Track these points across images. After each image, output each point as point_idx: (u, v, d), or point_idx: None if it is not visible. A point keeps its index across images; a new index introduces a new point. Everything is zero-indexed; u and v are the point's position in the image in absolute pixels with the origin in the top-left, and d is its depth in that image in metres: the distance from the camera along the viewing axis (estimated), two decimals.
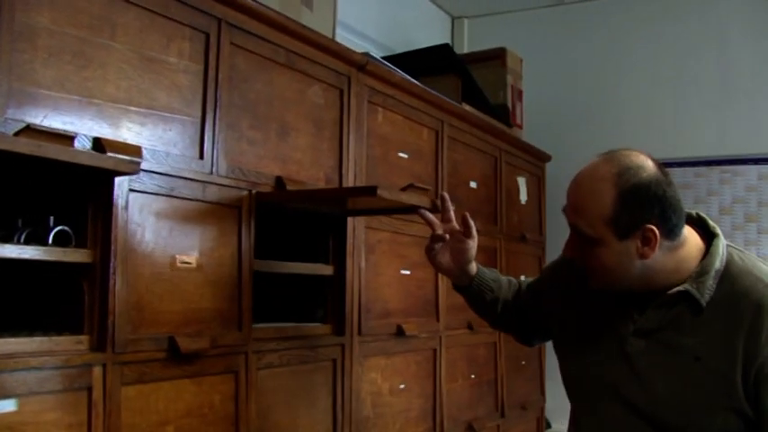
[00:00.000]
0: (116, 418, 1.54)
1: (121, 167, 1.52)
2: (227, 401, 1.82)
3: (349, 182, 2.31)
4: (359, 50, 2.98)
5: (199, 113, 1.80)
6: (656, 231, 1.45)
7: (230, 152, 1.87)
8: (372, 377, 2.39)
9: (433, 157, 2.82)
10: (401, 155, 2.61)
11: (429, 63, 2.97)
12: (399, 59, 2.88)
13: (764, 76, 3.74)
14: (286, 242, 2.24)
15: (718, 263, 1.51)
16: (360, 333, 2.32)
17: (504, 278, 1.97)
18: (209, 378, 1.78)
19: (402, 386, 2.54)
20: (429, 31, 4.14)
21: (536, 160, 3.81)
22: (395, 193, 1.96)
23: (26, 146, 1.34)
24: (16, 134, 1.37)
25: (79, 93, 1.53)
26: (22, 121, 1.41)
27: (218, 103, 1.84)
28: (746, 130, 3.70)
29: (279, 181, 1.99)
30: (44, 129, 1.40)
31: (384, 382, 2.45)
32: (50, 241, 1.51)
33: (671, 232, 1.49)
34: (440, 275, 2.78)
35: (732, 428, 1.48)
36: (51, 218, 1.55)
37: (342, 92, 2.30)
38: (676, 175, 3.76)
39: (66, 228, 1.55)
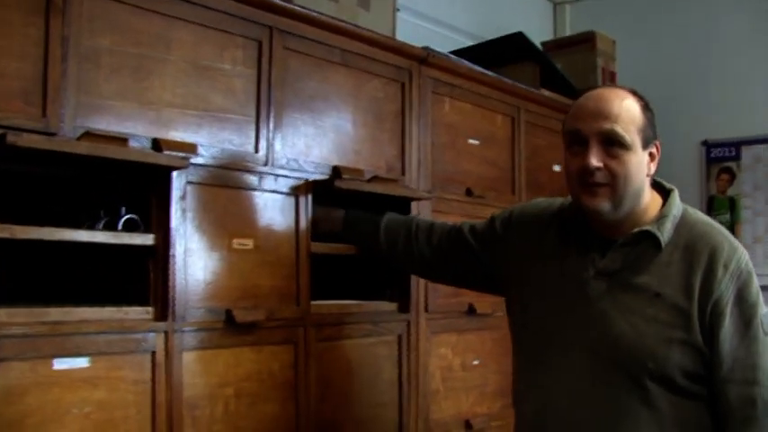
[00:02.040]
0: (178, 378, 1.79)
1: (174, 163, 1.78)
2: (287, 369, 2.04)
3: (412, 168, 2.47)
4: (453, 46, 3.14)
5: (253, 112, 2.02)
6: (659, 146, 1.68)
7: (286, 145, 2.09)
8: (442, 352, 2.54)
9: (508, 143, 2.92)
10: (471, 141, 2.73)
11: (507, 52, 3.06)
12: (474, 51, 2.99)
13: None
14: None
15: (675, 210, 1.67)
16: (427, 311, 2.47)
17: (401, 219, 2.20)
18: (268, 347, 2.00)
19: (476, 362, 2.67)
20: (530, 19, 4.19)
21: None
22: (358, 184, 2.16)
23: (85, 147, 1.62)
24: (78, 139, 1.65)
25: (138, 101, 1.79)
26: (88, 128, 1.68)
27: (271, 102, 2.05)
28: None
29: (335, 170, 2.19)
30: (101, 132, 1.68)
31: (455, 357, 2.59)
32: (120, 227, 1.80)
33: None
34: None
35: (687, 363, 1.59)
36: (123, 208, 1.83)
37: (403, 85, 2.46)
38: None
39: (134, 216, 1.82)
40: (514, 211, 1.96)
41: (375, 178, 2.27)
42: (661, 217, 1.66)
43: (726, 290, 1.59)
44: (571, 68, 3.38)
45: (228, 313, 1.90)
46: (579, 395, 1.64)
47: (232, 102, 1.98)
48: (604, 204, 1.62)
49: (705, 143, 3.89)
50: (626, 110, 1.61)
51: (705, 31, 3.98)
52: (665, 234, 1.64)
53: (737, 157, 3.91)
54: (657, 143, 1.68)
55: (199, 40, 1.92)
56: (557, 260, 1.74)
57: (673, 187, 1.74)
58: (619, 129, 1.59)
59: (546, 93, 3.10)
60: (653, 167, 1.67)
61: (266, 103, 2.04)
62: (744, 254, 1.64)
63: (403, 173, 2.44)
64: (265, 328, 1.98)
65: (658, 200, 1.70)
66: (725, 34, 3.91)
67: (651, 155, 1.66)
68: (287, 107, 2.10)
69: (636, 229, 1.65)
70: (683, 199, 1.73)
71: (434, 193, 2.53)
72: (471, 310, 2.63)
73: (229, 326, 1.90)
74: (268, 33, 2.06)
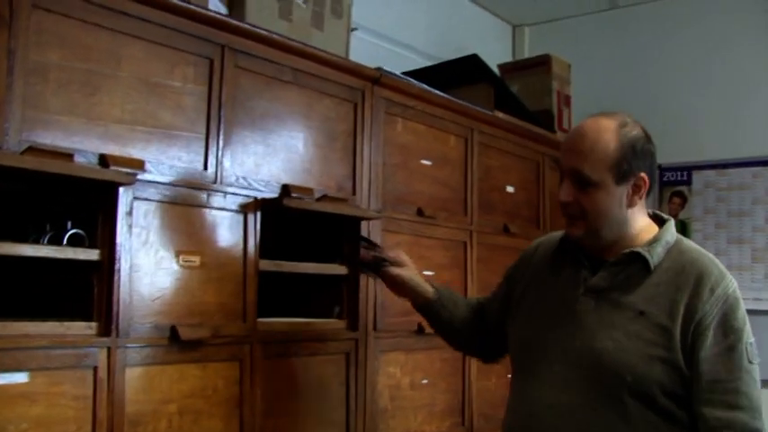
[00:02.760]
0: (120, 394, 1.79)
1: (120, 179, 1.78)
2: (232, 385, 2.04)
3: (363, 188, 2.49)
4: (411, 66, 3.18)
5: (203, 130, 2.03)
6: (647, 180, 1.68)
7: (235, 163, 2.10)
8: (390, 371, 2.56)
9: (461, 163, 2.96)
10: (424, 162, 2.77)
11: (461, 73, 3.11)
12: (429, 72, 3.04)
13: None
14: (308, 244, 2.45)
15: (669, 237, 1.73)
16: (375, 329, 2.49)
17: (462, 298, 2.16)
18: (214, 364, 2.00)
19: (425, 381, 2.69)
20: (489, 41, 4.27)
21: None
22: (307, 203, 2.18)
23: (29, 162, 1.62)
24: (22, 153, 1.65)
25: (87, 116, 1.79)
26: (33, 142, 1.68)
27: (221, 120, 2.07)
28: None
29: (284, 188, 2.20)
30: (47, 147, 1.68)
31: (404, 376, 2.61)
32: (65, 242, 1.79)
33: (650, 188, 1.71)
34: (468, 277, 2.92)
35: (666, 381, 1.62)
36: (69, 223, 1.83)
37: (355, 105, 2.49)
38: (733, 175, 3.76)
39: (80, 231, 1.82)
40: (533, 244, 2.04)
41: (324, 197, 2.29)
42: (653, 241, 1.71)
43: (710, 312, 1.62)
44: (527, 91, 3.44)
45: (173, 330, 1.90)
46: (561, 408, 1.68)
47: (182, 119, 1.99)
48: (579, 233, 1.71)
49: (658, 167, 3.96)
50: (598, 147, 1.65)
51: (657, 56, 4.08)
52: (655, 257, 1.68)
53: (689, 182, 4.00)
54: (643, 175, 1.68)
55: (149, 56, 1.93)
56: (554, 280, 1.82)
57: (670, 218, 1.80)
58: (585, 168, 1.65)
59: (500, 114, 3.15)
60: (637, 200, 1.70)
61: (216, 120, 2.06)
62: (732, 282, 1.67)
63: (354, 192, 2.46)
64: (211, 345, 1.99)
65: (654, 228, 1.75)
66: (677, 60, 4.02)
67: (636, 186, 1.68)
68: (237, 125, 2.12)
69: (626, 250, 1.70)
70: None
71: (385, 212, 2.55)
72: (420, 330, 2.64)
73: (174, 342, 1.90)
74: (220, 51, 2.07)
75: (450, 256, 2.86)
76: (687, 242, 1.77)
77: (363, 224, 2.44)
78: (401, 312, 2.60)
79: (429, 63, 3.50)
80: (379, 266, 2.09)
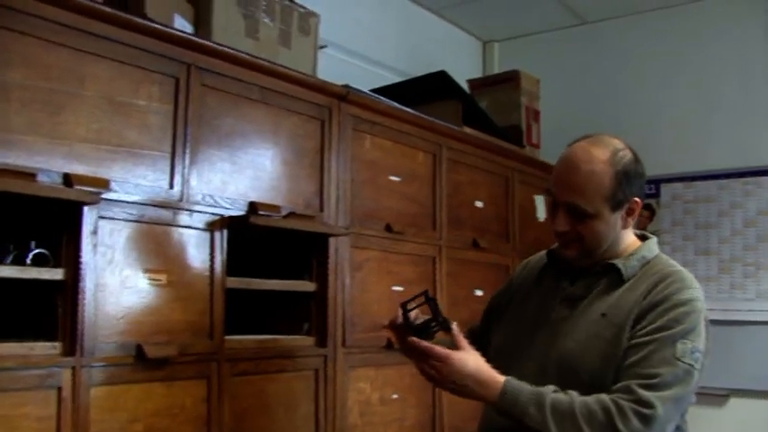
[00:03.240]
0: (85, 414, 1.78)
1: (84, 198, 1.78)
2: (199, 404, 2.04)
3: (331, 205, 2.50)
4: (381, 82, 3.20)
5: (169, 148, 2.04)
6: (640, 203, 1.74)
7: (201, 181, 2.10)
8: (360, 387, 2.56)
9: (429, 179, 2.98)
10: (392, 178, 2.79)
11: (430, 90, 3.14)
12: (398, 88, 3.06)
13: None
14: (275, 261, 2.46)
15: (646, 252, 1.78)
16: (344, 345, 2.50)
17: None
18: (180, 382, 2.00)
19: (395, 396, 2.70)
20: (459, 57, 4.31)
21: None
22: (274, 221, 2.19)
23: None
24: None
25: (50, 136, 1.79)
26: None
27: (187, 138, 2.07)
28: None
29: (251, 206, 2.21)
30: (8, 167, 1.67)
31: (374, 391, 2.61)
32: (29, 262, 1.79)
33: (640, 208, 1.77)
34: (438, 292, 2.94)
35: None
36: (33, 243, 1.82)
37: (323, 122, 2.51)
38: (700, 188, 3.81)
39: (44, 251, 1.81)
40: (520, 265, 2.10)
41: (292, 214, 2.30)
42: (630, 255, 1.77)
43: (657, 307, 1.66)
44: (495, 106, 3.48)
45: (139, 348, 1.89)
46: None
47: (147, 137, 1.99)
48: (575, 254, 1.77)
49: None
50: (592, 181, 1.68)
51: (625, 71, 4.14)
52: (629, 269, 1.74)
53: (657, 195, 4.05)
54: (636, 200, 1.73)
55: (114, 75, 1.93)
56: (536, 291, 1.89)
57: (653, 237, 1.85)
58: (581, 202, 1.69)
59: (468, 130, 3.18)
60: (630, 221, 1.77)
61: (182, 139, 2.06)
62: (696, 292, 1.70)
63: (321, 209, 2.47)
64: (177, 363, 1.98)
65: (637, 244, 1.81)
66: (644, 75, 4.08)
67: (629, 210, 1.74)
68: (203, 143, 2.12)
69: (603, 262, 1.76)
70: None
71: (353, 228, 2.56)
72: (390, 345, 2.65)
73: (140, 361, 1.90)
74: (185, 70, 2.08)
75: (418, 272, 2.87)
76: (665, 259, 1.81)
77: (331, 241, 2.45)
78: (370, 328, 2.61)
79: (399, 79, 3.51)
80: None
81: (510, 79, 3.65)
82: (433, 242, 2.95)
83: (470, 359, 1.66)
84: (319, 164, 2.49)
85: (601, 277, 1.77)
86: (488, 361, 1.83)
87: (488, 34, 4.48)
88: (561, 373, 1.70)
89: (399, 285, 2.77)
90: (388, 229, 2.72)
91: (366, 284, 2.63)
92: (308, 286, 2.42)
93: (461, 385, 1.67)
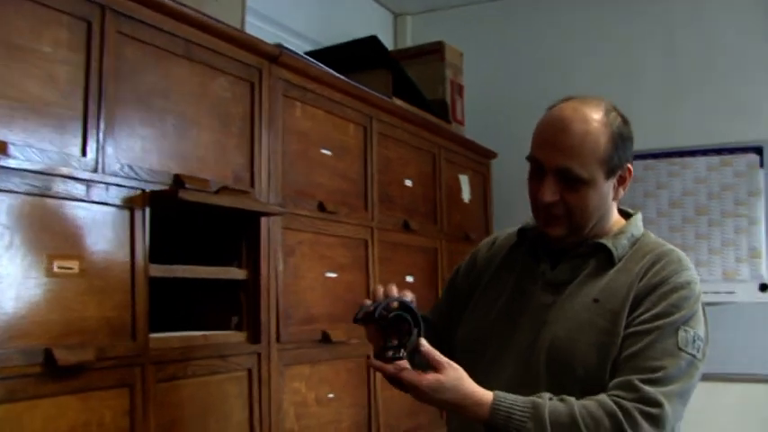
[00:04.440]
0: None
1: None
2: (121, 417, 1.69)
3: (262, 180, 2.18)
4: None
5: (80, 107, 1.66)
6: (631, 170, 1.57)
7: (119, 149, 1.74)
8: (296, 387, 2.26)
9: (360, 154, 2.70)
10: (324, 151, 2.49)
11: (358, 57, 2.86)
12: (326, 54, 2.76)
13: (711, 67, 3.65)
14: (197, 245, 2.12)
15: (635, 230, 1.60)
16: (279, 340, 2.19)
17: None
18: (98, 393, 1.64)
19: (331, 395, 2.41)
20: (370, 29, 4.01)
21: (480, 157, 3.71)
22: (204, 196, 1.87)
23: None
24: None
25: None
26: None
27: (103, 96, 1.70)
28: (694, 122, 3.61)
29: (177, 179, 1.86)
30: None
31: (309, 391, 2.32)
32: None
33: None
34: (370, 279, 2.67)
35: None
36: None
37: (252, 85, 2.18)
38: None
39: None
40: (487, 240, 1.84)
41: (224, 189, 1.97)
42: (618, 233, 1.58)
43: (654, 292, 1.48)
44: (420, 79, 3.23)
45: (48, 353, 1.52)
46: None
47: (53, 92, 1.61)
48: (561, 231, 1.56)
49: None
50: (587, 141, 1.49)
51: (552, 46, 3.98)
52: (620, 249, 1.56)
53: None
54: (629, 166, 1.57)
55: (10, 13, 1.54)
56: (509, 276, 1.67)
57: (637, 211, 1.67)
58: (575, 166, 1.48)
59: (398, 102, 2.92)
60: (621, 191, 1.59)
61: (96, 96, 1.69)
62: (692, 275, 1.53)
63: (252, 184, 2.15)
64: (94, 370, 1.62)
65: (621, 221, 1.63)
66: (569, 49, 3.93)
67: (621, 178, 1.57)
68: (121, 103, 1.76)
69: (589, 241, 1.57)
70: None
71: (286, 207, 2.25)
72: (326, 338, 2.37)
73: (49, 369, 1.52)
74: (99, 13, 1.71)
75: (351, 256, 2.59)
76: (654, 237, 1.64)
77: (263, 221, 2.14)
78: (304, 320, 2.32)
79: (311, 48, 3.21)
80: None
81: (434, 51, 3.41)
82: (365, 223, 2.67)
83: (446, 383, 1.39)
84: (249, 133, 2.16)
85: (587, 259, 1.57)
86: (455, 356, 1.58)
87: (400, 6, 4.22)
88: (551, 368, 1.49)
89: (333, 271, 2.48)
90: (321, 207, 2.42)
91: (299, 270, 2.32)
92: (237, 273, 2.10)
93: (443, 407, 1.45)
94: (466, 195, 3.48)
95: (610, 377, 1.44)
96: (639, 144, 3.66)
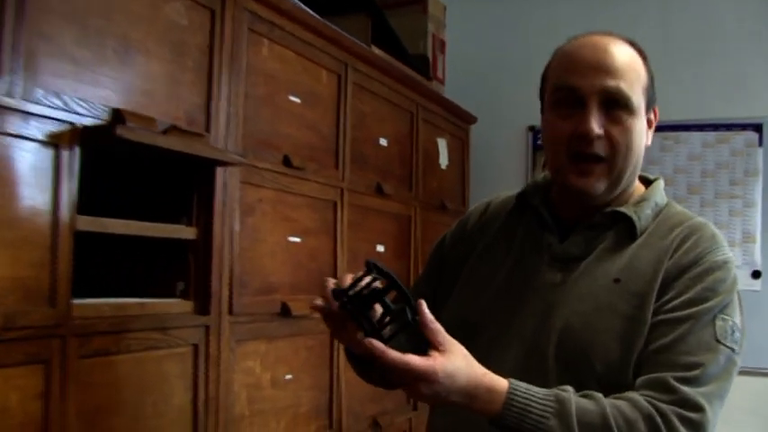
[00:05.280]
0: None
1: None
2: (32, 401, 1.37)
3: (220, 124, 1.87)
4: None
5: None
6: (657, 112, 1.36)
7: (45, 72, 1.41)
8: (248, 366, 1.97)
9: (333, 105, 2.39)
10: (292, 98, 2.18)
11: (340, 1, 2.53)
12: None
13: (710, 39, 3.40)
14: (140, 197, 1.81)
15: (659, 197, 1.36)
16: (231, 312, 1.89)
17: None
18: (3, 371, 1.33)
19: (288, 377, 2.12)
20: None
21: (460, 121, 3.42)
22: (148, 136, 1.55)
23: None
24: None
25: None
26: None
27: (25, 5, 1.37)
28: (690, 95, 3.35)
29: (116, 114, 1.54)
30: None
31: (264, 371, 2.03)
32: None
33: None
34: (338, 246, 2.38)
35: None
36: None
37: (213, 12, 1.85)
38: None
39: None
40: (478, 205, 1.55)
41: (173, 130, 1.65)
42: (641, 200, 1.33)
43: (687, 272, 1.24)
44: (399, 32, 2.91)
45: None
46: None
47: None
48: (598, 185, 1.28)
49: (532, 129, 3.61)
50: (632, 64, 1.29)
51: (543, 6, 3.67)
52: (643, 220, 1.30)
53: None
54: (656, 108, 1.35)
55: None
56: (507, 247, 1.40)
57: (659, 176, 1.43)
58: (625, 87, 1.26)
59: (377, 51, 2.61)
60: (650, 137, 1.35)
61: (13, 3, 1.36)
62: (727, 253, 1.29)
63: (207, 128, 1.83)
64: (1, 342, 1.31)
65: (641, 188, 1.39)
66: (564, 11, 3.63)
67: (649, 121, 1.34)
68: (49, 14, 1.42)
69: (606, 210, 1.31)
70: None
71: (246, 158, 1.94)
72: (285, 311, 2.08)
73: None
74: None
75: (318, 219, 2.29)
76: (679, 207, 1.39)
77: (219, 171, 1.83)
78: (262, 289, 2.02)
79: None
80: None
81: (416, 1, 3.10)
82: (335, 183, 2.37)
83: (459, 364, 1.10)
84: (207, 68, 1.84)
85: (604, 230, 1.32)
86: None
87: None
88: (563, 361, 1.23)
89: (297, 235, 2.18)
90: (287, 162, 2.12)
91: (259, 233, 2.02)
92: (186, 232, 1.79)
93: (449, 401, 1.12)
94: (443, 161, 3.19)
95: (634, 372, 1.19)
96: None
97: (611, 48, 1.28)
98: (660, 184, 1.39)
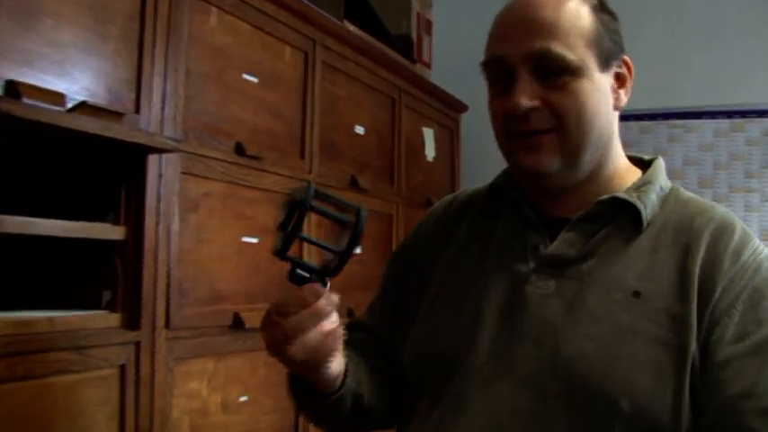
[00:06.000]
0: None
1: None
2: None
3: (153, 104, 1.58)
4: None
5: None
6: (631, 65, 1.09)
7: None
8: (192, 388, 1.68)
9: (299, 87, 2.11)
10: (248, 77, 1.89)
11: None
12: None
13: (722, 21, 3.11)
14: (60, 190, 1.53)
15: (663, 179, 1.11)
16: (168, 326, 1.60)
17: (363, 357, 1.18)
18: None
19: (243, 398, 1.83)
20: None
21: (448, 109, 3.13)
22: (49, 114, 1.26)
23: None
24: None
25: None
26: None
27: None
28: (701, 80, 3.06)
29: (11, 87, 1.26)
30: None
31: (213, 394, 1.74)
32: None
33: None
34: (305, 245, 2.09)
35: (688, 408, 0.93)
36: None
37: None
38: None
39: None
40: (440, 203, 1.29)
41: (84, 106, 1.36)
42: (642, 184, 1.08)
43: (737, 283, 0.97)
44: (381, 8, 2.63)
45: None
46: None
47: None
48: (551, 161, 1.03)
49: None
50: (565, 14, 1.02)
51: None
52: (649, 207, 1.05)
53: None
54: (626, 58, 1.09)
55: None
56: (482, 251, 1.12)
57: (657, 156, 1.16)
58: (556, 46, 1.00)
59: (351, 27, 2.33)
60: (624, 96, 1.09)
61: None
62: (761, 244, 1.04)
63: (137, 109, 1.55)
64: None
65: (636, 170, 1.13)
66: None
67: (618, 77, 1.07)
68: None
69: (604, 197, 1.05)
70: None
71: (186, 145, 1.66)
72: (238, 324, 1.79)
73: None
74: None
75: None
76: (687, 192, 1.13)
77: (151, 159, 1.55)
78: (209, 298, 1.74)
79: None
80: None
81: None
82: (299, 175, 2.08)
83: None
84: (137, 37, 1.56)
85: (603, 224, 1.05)
86: (410, 375, 1.11)
87: None
88: (577, 400, 0.95)
89: (252, 236, 1.89)
90: (240, 150, 1.83)
91: (204, 232, 1.73)
92: (112, 232, 1.50)
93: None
94: (430, 153, 2.90)
95: (695, 421, 0.93)
96: (635, 103, 3.09)
97: (536, 1, 1.02)
98: (661, 163, 1.14)
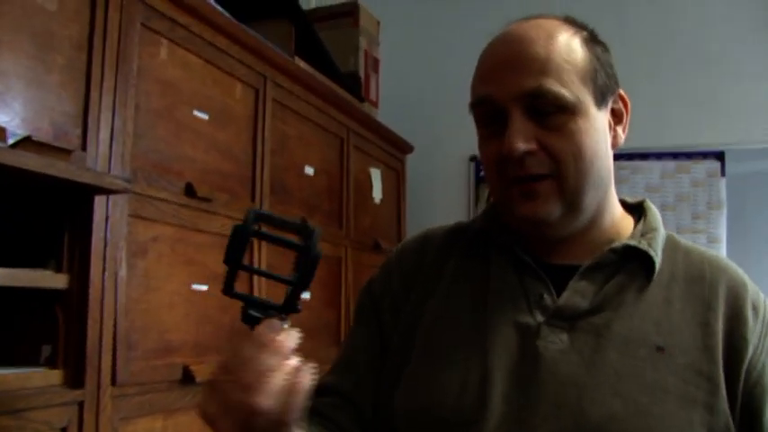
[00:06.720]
0: None
1: None
2: None
3: (101, 141, 1.46)
4: None
5: None
6: (627, 99, 1.05)
7: None
8: None
9: (249, 124, 2.01)
10: (198, 114, 1.79)
11: (256, 4, 2.16)
12: None
13: (665, 56, 3.17)
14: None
15: (660, 225, 1.05)
16: (115, 383, 1.46)
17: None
18: None
19: None
20: None
21: (395, 150, 3.06)
22: None
23: None
24: None
25: None
26: None
27: None
28: (646, 120, 3.08)
29: None
30: None
31: None
32: None
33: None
34: (256, 292, 1.97)
35: None
36: None
37: (94, 0, 1.47)
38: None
39: None
40: (410, 241, 1.17)
41: (28, 142, 1.23)
42: (647, 231, 1.02)
43: (763, 339, 0.95)
44: (329, 46, 2.56)
45: None
46: None
47: None
48: (551, 209, 0.96)
49: (474, 159, 3.29)
50: (559, 49, 0.96)
51: (487, 20, 3.36)
52: (660, 256, 0.99)
53: None
54: (621, 92, 1.03)
55: None
56: (476, 300, 1.01)
57: (645, 198, 1.11)
58: (550, 84, 0.94)
59: (301, 64, 2.25)
60: (621, 134, 1.03)
61: None
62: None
63: (84, 146, 1.43)
64: None
65: (627, 216, 1.08)
66: (500, 23, 3.34)
67: (615, 113, 1.02)
68: None
69: (616, 244, 0.99)
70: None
71: (135, 185, 1.54)
72: (188, 378, 1.66)
73: None
74: None
75: None
76: (681, 238, 1.09)
77: (97, 200, 1.43)
78: (157, 350, 1.61)
79: None
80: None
81: (347, 14, 2.75)
82: None
83: None
84: (84, 69, 1.44)
85: (612, 273, 0.98)
86: None
87: None
88: None
89: (202, 282, 1.77)
90: (190, 191, 1.72)
91: (153, 279, 1.61)
92: (54, 280, 1.37)
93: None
94: (377, 194, 2.82)
95: None
96: None
97: (529, 34, 0.96)
98: (652, 208, 1.09)
